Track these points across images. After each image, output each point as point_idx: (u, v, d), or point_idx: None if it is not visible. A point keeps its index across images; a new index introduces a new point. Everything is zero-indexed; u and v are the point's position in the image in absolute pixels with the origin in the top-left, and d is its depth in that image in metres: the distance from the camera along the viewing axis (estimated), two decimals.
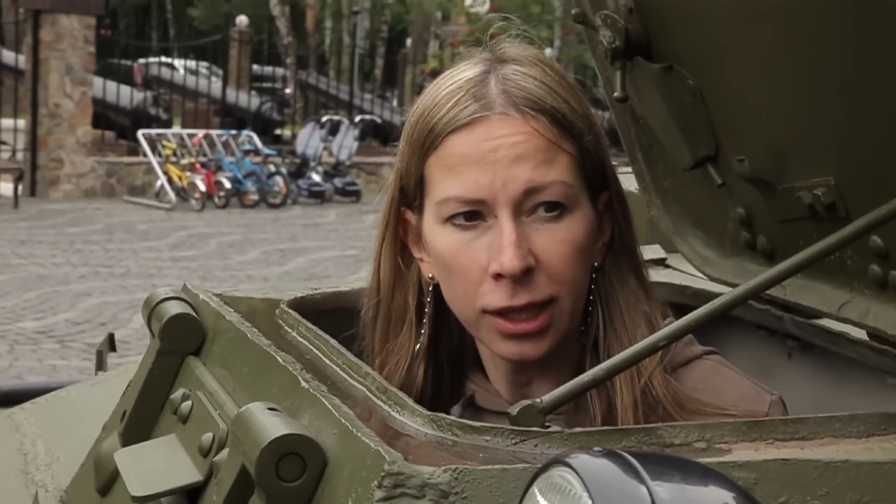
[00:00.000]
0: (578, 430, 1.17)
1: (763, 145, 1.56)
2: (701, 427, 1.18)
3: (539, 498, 0.89)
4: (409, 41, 30.82)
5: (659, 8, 1.62)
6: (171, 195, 17.68)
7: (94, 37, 18.00)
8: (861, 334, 1.51)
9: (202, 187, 17.49)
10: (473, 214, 1.36)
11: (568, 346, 1.41)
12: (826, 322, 1.58)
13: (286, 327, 1.58)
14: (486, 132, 1.35)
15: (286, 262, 12.85)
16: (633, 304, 1.41)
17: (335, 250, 13.89)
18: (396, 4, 33.72)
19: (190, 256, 13.06)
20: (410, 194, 1.43)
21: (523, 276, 1.34)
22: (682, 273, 1.90)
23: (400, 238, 1.46)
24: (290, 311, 1.62)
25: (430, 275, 1.44)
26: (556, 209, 1.36)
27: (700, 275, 1.80)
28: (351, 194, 19.27)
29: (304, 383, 1.29)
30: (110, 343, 2.48)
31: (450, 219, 1.37)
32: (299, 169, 19.32)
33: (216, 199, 17.71)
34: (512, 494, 1.06)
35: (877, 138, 1.36)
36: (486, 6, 20.93)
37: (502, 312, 1.35)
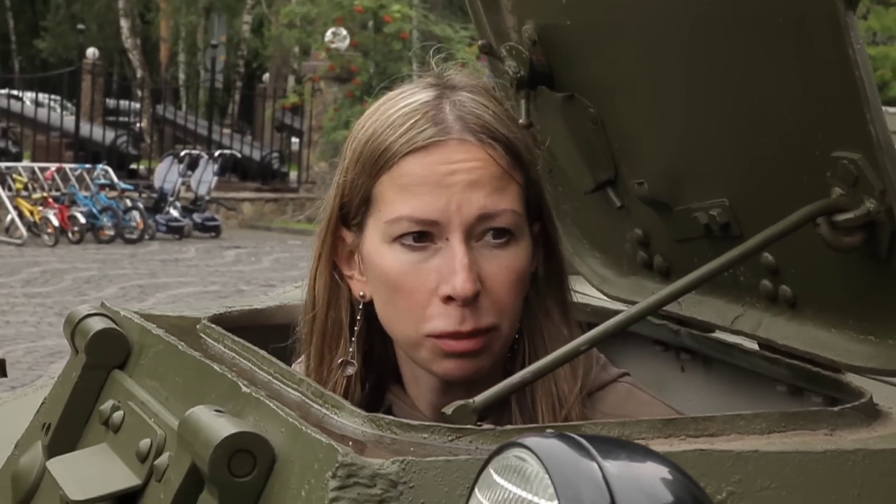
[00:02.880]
0: (510, 427, 1.25)
1: (661, 169, 1.67)
2: (620, 424, 1.27)
3: (496, 477, 0.97)
4: (266, 76, 30.71)
5: (561, 40, 1.73)
6: (23, 230, 17.27)
7: None
8: (753, 345, 1.63)
9: (55, 222, 17.13)
10: (423, 235, 1.39)
11: (493, 370, 1.45)
12: (720, 335, 1.70)
13: (210, 341, 1.63)
14: (443, 156, 1.39)
15: (146, 299, 12.68)
16: (556, 334, 1.47)
17: (196, 286, 13.75)
18: (253, 39, 33.63)
19: (44, 293, 12.77)
20: (350, 213, 1.46)
21: (472, 301, 1.37)
22: (581, 293, 2.01)
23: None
24: (213, 325, 1.67)
25: (362, 293, 1.47)
26: (504, 236, 1.40)
27: (598, 294, 1.90)
28: (210, 230, 19.10)
29: (244, 388, 1.34)
30: (1, 369, 2.48)
31: (398, 238, 1.39)
32: (157, 204, 19.09)
33: (70, 235, 17.36)
34: (455, 483, 1.13)
35: (768, 161, 1.49)
36: (347, 42, 21.05)
37: (447, 336, 1.39)
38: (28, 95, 24.50)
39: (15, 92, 24.54)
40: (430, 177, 1.38)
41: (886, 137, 1.33)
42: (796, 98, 1.40)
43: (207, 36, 34.30)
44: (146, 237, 17.95)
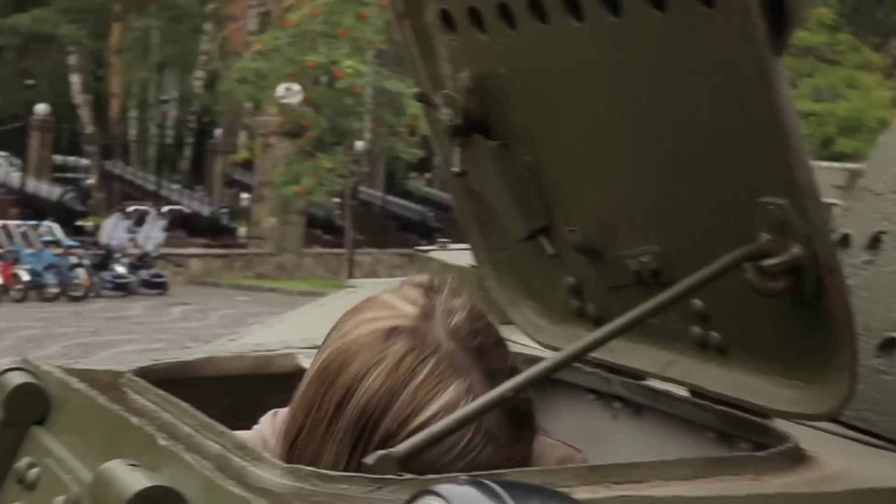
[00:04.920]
0: (432, 476, 1.23)
1: (593, 216, 1.67)
2: (543, 472, 1.26)
3: None
4: (217, 131, 30.68)
5: (496, 88, 1.72)
6: None
7: None
8: (684, 392, 1.62)
9: None
10: None
11: None
12: (651, 382, 1.69)
13: (133, 394, 1.59)
14: None
15: (89, 357, 12.52)
16: None
17: (141, 344, 13.61)
18: (205, 95, 33.62)
19: None
20: None
21: None
22: (515, 342, 1.99)
23: None
24: (138, 378, 1.63)
25: None
26: None
27: (533, 344, 1.89)
28: (157, 286, 18.94)
29: (161, 441, 1.31)
30: None
31: None
32: (103, 261, 18.92)
33: (13, 293, 17.14)
34: None
35: (697, 207, 1.49)
36: (299, 98, 21.06)
37: None
38: None
39: None
40: None
41: (811, 183, 1.33)
42: (724, 143, 1.40)
43: (159, 91, 34.28)
44: (91, 294, 17.74)
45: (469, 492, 0.92)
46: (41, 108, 24.90)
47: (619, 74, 1.50)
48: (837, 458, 1.39)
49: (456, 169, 1.79)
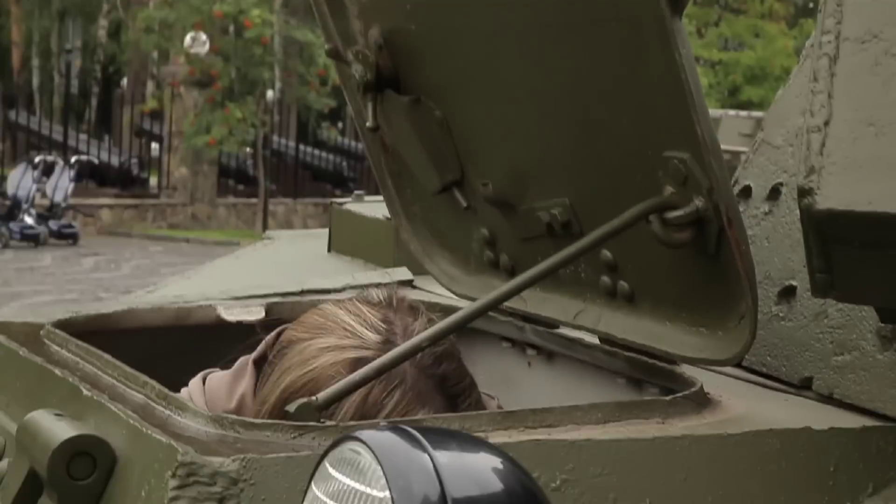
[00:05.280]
0: (352, 422, 1.27)
1: (505, 170, 1.71)
2: (461, 418, 1.31)
3: (331, 471, 0.99)
4: (124, 81, 30.14)
5: (407, 44, 1.75)
6: None
7: None
8: (594, 340, 1.68)
9: None
10: None
11: None
12: (564, 331, 1.75)
13: (54, 346, 1.61)
14: None
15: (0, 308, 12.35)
16: None
17: (53, 295, 13.43)
18: (110, 44, 32.93)
19: None
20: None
21: None
22: (430, 293, 2.04)
23: None
24: (58, 330, 1.64)
25: None
26: None
27: (448, 294, 1.94)
28: (67, 237, 18.68)
29: (85, 391, 1.33)
30: None
31: None
32: (10, 211, 18.59)
33: None
34: (297, 479, 1.15)
35: (605, 161, 1.54)
36: (206, 47, 20.77)
37: None
38: None
39: None
40: None
41: (712, 138, 1.38)
42: (629, 100, 1.45)
43: (62, 41, 33.50)
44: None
45: (389, 437, 0.96)
46: None
47: (526, 31, 1.54)
48: (740, 401, 1.46)
49: (369, 124, 1.82)
